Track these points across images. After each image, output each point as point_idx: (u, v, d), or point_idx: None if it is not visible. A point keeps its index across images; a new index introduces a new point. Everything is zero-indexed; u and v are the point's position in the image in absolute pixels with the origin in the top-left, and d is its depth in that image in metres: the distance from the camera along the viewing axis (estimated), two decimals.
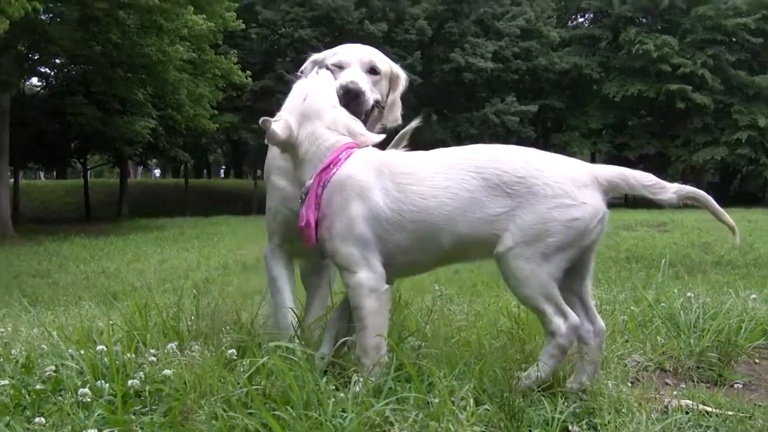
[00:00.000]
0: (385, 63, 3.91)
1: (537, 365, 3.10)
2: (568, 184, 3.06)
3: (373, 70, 3.81)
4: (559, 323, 3.04)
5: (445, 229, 3.13)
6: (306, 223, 3.33)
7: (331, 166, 3.31)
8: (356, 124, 3.49)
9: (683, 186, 3.14)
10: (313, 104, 3.56)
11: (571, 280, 3.18)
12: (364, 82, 3.68)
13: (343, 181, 3.24)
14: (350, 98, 3.59)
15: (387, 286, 3.24)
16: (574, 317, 3.08)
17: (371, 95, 3.69)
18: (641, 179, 3.13)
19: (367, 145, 3.43)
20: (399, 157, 3.34)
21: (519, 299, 3.18)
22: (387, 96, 3.93)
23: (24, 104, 40.41)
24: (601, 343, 3.25)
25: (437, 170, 3.18)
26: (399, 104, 4.00)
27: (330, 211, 3.24)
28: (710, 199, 3.16)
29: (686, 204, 3.22)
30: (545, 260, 3.02)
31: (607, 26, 57.11)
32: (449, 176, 3.14)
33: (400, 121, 3.98)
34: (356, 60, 3.80)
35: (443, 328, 4.00)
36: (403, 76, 4.00)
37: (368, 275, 3.18)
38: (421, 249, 3.23)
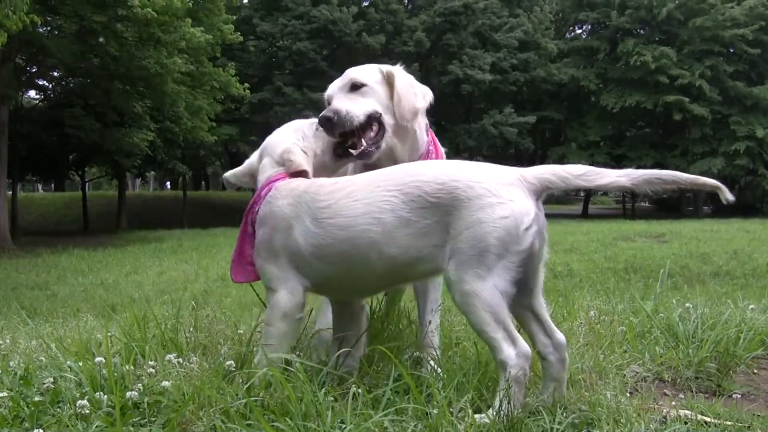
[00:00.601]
0: (370, 72, 3.78)
1: (496, 402, 2.92)
2: (491, 182, 2.97)
3: (354, 86, 3.70)
4: (509, 353, 2.90)
5: (373, 255, 3.09)
6: (232, 260, 3.54)
7: (255, 204, 3.41)
8: (290, 151, 3.54)
9: (634, 171, 3.04)
10: (271, 139, 3.69)
11: (520, 294, 3.05)
12: (343, 102, 3.62)
13: (265, 219, 3.32)
14: (329, 126, 3.57)
15: (301, 315, 3.32)
16: (524, 345, 2.94)
17: (358, 109, 3.60)
18: (572, 170, 3.05)
19: (294, 170, 3.47)
20: (320, 189, 3.28)
21: (470, 324, 3.03)
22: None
23: (22, 117, 40.48)
24: (562, 358, 3.14)
25: (355, 198, 3.14)
26: (406, 97, 3.70)
27: (258, 247, 3.35)
28: (675, 173, 3.03)
29: (652, 193, 3.08)
30: (488, 271, 2.89)
31: (604, 38, 57.24)
32: (368, 201, 3.10)
33: (418, 108, 3.74)
34: (336, 88, 3.74)
35: (442, 339, 4.00)
36: (397, 71, 3.77)
37: (286, 297, 3.24)
38: (352, 278, 3.25)
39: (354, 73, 3.75)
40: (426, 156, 3.82)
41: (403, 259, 3.07)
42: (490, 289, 2.89)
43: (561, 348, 3.12)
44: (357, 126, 3.58)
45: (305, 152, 3.57)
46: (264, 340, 3.30)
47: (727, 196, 2.97)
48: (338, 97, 3.69)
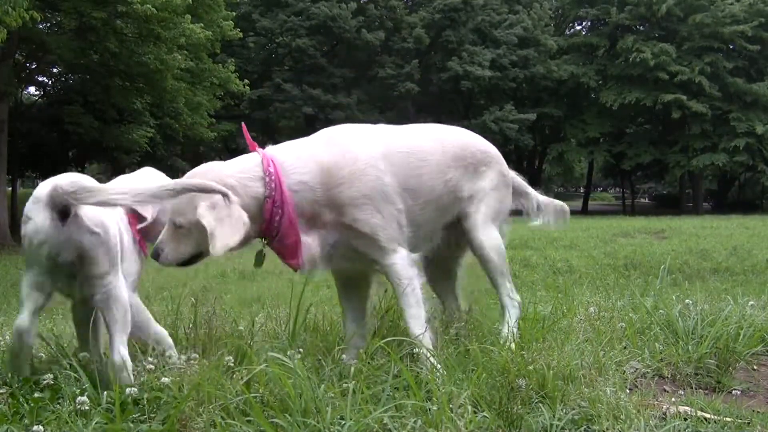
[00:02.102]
0: (189, 210, 3.56)
1: None
2: (30, 200, 3.26)
3: (176, 224, 3.66)
4: None
5: None
6: None
7: None
8: None
9: (140, 188, 3.32)
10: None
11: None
12: (169, 240, 3.68)
13: None
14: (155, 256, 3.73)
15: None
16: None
17: (176, 255, 3.69)
18: (65, 185, 3.17)
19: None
20: None
21: None
22: None
23: (22, 113, 40.43)
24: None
25: None
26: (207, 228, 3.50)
27: None
28: (184, 181, 3.45)
29: None
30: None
31: (604, 34, 57.09)
32: None
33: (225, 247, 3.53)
34: (168, 211, 3.73)
35: (441, 336, 4.00)
36: (205, 219, 3.50)
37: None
38: None
39: (175, 211, 3.62)
40: (270, 214, 3.69)
41: None
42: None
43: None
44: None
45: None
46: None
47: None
48: (168, 226, 3.69)
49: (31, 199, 3.23)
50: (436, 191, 4.14)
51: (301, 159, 3.84)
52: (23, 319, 3.34)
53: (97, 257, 3.27)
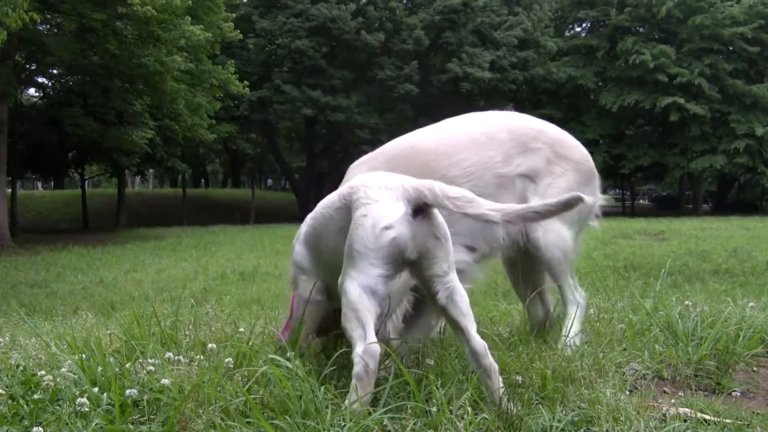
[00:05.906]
0: None
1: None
2: (372, 186, 3.14)
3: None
4: (357, 350, 2.86)
5: None
6: None
7: None
8: None
9: (511, 206, 3.13)
10: None
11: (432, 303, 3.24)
12: None
13: None
14: None
15: None
16: (373, 345, 2.86)
17: None
18: (447, 191, 3.06)
19: None
20: None
21: None
22: None
23: (22, 114, 40.48)
24: (480, 366, 3.13)
25: None
26: None
27: None
28: (547, 202, 3.11)
29: None
30: (354, 270, 3.06)
31: (604, 36, 57.11)
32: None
33: None
34: None
35: (441, 337, 4.00)
36: None
37: None
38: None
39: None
40: None
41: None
42: (355, 288, 2.95)
43: (477, 356, 3.04)
44: None
45: None
46: None
47: (587, 200, 3.02)
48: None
49: (372, 185, 3.09)
50: None
51: None
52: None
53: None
